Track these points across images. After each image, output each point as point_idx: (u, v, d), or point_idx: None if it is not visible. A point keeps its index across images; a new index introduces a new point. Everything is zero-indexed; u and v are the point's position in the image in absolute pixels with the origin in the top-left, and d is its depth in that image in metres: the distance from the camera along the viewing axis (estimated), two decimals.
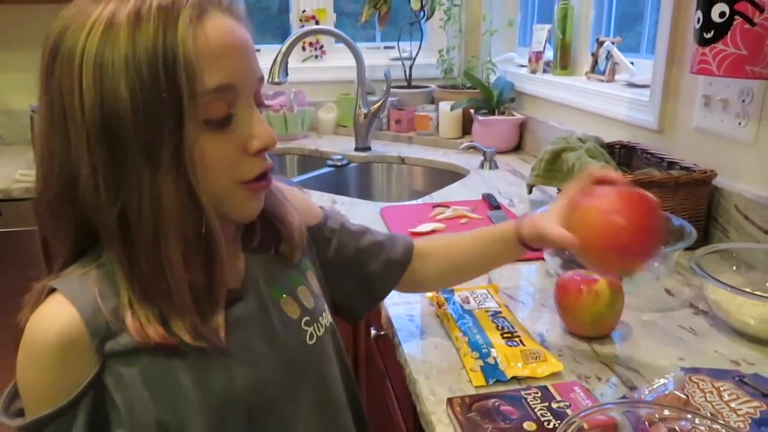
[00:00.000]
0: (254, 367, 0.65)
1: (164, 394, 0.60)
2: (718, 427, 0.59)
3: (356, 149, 2.15)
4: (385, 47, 2.62)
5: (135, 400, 0.59)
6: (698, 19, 0.71)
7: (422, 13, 2.35)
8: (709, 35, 0.68)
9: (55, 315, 0.58)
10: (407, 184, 2.09)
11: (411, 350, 0.88)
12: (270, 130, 0.61)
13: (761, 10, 0.65)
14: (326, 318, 0.74)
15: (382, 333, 1.15)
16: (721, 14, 0.67)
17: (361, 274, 0.83)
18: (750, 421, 0.63)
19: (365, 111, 2.13)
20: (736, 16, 0.66)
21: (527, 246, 0.81)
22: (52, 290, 0.60)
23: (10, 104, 2.33)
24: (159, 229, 0.56)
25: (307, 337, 0.71)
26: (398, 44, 2.44)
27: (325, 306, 0.76)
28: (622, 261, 0.71)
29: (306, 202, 0.81)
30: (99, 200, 0.56)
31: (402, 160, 2.11)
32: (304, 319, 0.71)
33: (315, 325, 0.72)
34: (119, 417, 0.59)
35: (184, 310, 0.58)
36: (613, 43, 1.71)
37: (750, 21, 0.66)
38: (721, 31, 0.67)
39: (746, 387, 0.69)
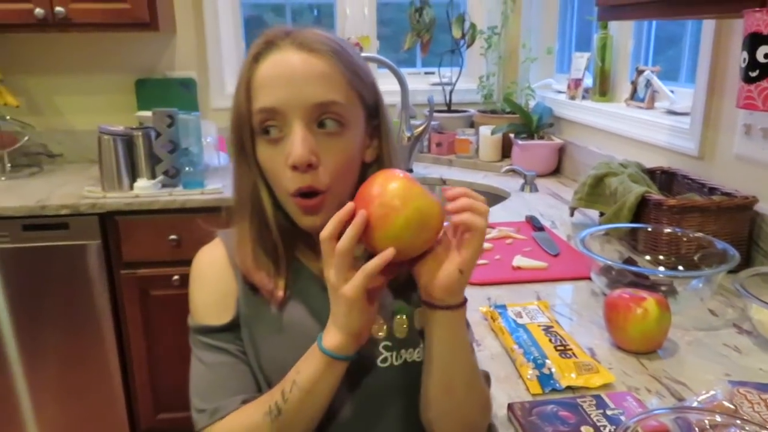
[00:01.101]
0: (298, 352, 0.70)
1: (249, 335, 0.77)
2: None
3: None
4: (425, 73, 2.71)
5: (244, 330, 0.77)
6: (744, 59, 0.77)
7: (463, 41, 2.44)
8: (754, 74, 0.75)
9: (212, 249, 0.82)
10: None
11: None
12: (300, 151, 0.68)
13: None
14: (413, 355, 0.77)
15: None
16: (766, 56, 0.73)
17: None
18: None
19: (408, 134, 2.22)
20: None
21: (431, 304, 0.69)
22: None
23: (74, 125, 2.48)
24: (241, 206, 0.76)
25: (380, 359, 0.76)
26: (439, 70, 2.53)
27: (421, 345, 0.77)
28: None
29: None
30: (233, 176, 0.77)
31: (444, 182, 2.18)
32: (384, 343, 0.76)
33: (395, 353, 0.76)
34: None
35: (249, 265, 0.75)
36: (652, 72, 1.77)
37: None
38: (765, 70, 0.74)
39: None
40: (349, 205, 0.64)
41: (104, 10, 2.07)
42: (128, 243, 1.98)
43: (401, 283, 0.76)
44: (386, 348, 0.76)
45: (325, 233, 0.64)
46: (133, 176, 1.99)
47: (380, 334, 0.77)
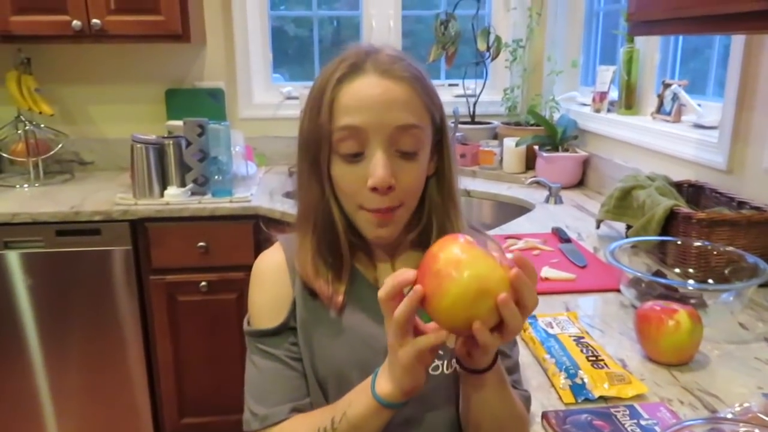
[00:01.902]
0: (363, 353, 0.76)
1: (305, 339, 0.80)
2: None
3: None
4: (449, 84, 2.74)
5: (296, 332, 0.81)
6: None
7: (487, 53, 2.47)
8: None
9: (273, 254, 0.85)
10: (475, 216, 2.18)
11: None
12: (382, 173, 0.72)
13: None
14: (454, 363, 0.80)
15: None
16: None
17: None
18: None
19: None
20: None
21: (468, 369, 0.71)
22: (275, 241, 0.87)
23: (105, 133, 2.54)
24: (308, 217, 0.80)
25: (432, 367, 0.78)
26: (463, 82, 2.56)
27: None
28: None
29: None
30: (297, 188, 0.82)
31: (468, 193, 2.20)
32: (439, 351, 0.73)
33: (446, 362, 0.79)
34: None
35: (309, 272, 0.79)
36: (680, 86, 1.78)
37: None
38: None
39: None
40: (410, 273, 0.62)
41: (139, 21, 2.12)
42: (157, 249, 2.02)
43: None
44: (438, 357, 0.78)
45: (382, 294, 0.63)
46: (164, 184, 2.04)
47: None
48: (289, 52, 2.77)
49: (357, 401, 0.70)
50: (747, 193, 1.38)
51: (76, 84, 2.49)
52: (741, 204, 1.33)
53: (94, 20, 2.09)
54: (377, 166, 0.72)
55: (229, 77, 2.55)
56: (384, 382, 0.68)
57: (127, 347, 2.07)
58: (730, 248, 1.18)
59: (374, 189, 0.73)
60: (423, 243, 0.82)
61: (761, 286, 1.07)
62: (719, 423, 0.71)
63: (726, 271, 1.17)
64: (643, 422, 0.78)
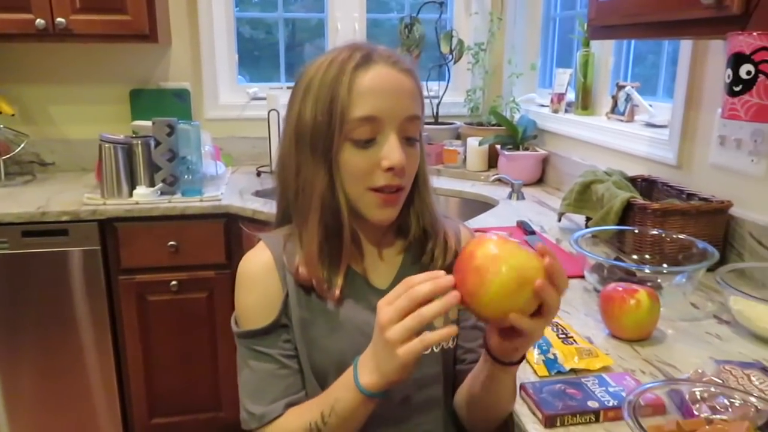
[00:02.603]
0: (361, 341, 0.76)
1: (299, 330, 0.83)
2: (753, 399, 0.73)
3: None
4: None
5: (291, 323, 0.83)
6: (728, 75, 0.88)
7: (450, 56, 2.55)
8: (738, 89, 0.85)
9: (260, 254, 0.86)
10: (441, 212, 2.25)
11: None
12: (399, 155, 0.78)
13: None
14: (449, 342, 0.87)
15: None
16: (748, 72, 0.84)
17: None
18: None
19: None
20: (760, 74, 0.83)
21: (494, 359, 0.75)
22: (259, 240, 0.87)
23: (68, 134, 2.51)
24: (309, 207, 0.81)
25: None
26: (427, 84, 2.63)
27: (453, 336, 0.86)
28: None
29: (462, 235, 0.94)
30: (289, 179, 0.83)
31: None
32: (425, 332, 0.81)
33: None
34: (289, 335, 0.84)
35: (314, 264, 0.81)
36: (633, 88, 1.89)
37: None
38: (747, 85, 0.84)
39: None
40: (449, 278, 0.65)
41: (105, 21, 2.12)
42: (127, 249, 2.01)
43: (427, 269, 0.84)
44: None
45: (418, 282, 0.65)
46: (132, 184, 2.04)
47: None
48: (249, 53, 2.79)
49: (343, 397, 0.73)
50: (695, 186, 1.49)
51: (37, 83, 2.45)
52: (690, 196, 1.44)
53: (59, 19, 2.07)
54: (394, 149, 0.77)
55: (195, 78, 2.56)
56: (368, 374, 0.70)
57: (95, 348, 2.05)
58: (682, 236, 1.28)
59: (390, 169, 0.78)
60: (403, 231, 0.88)
61: (709, 269, 1.16)
62: (677, 384, 0.79)
63: (679, 257, 1.27)
64: (611, 389, 0.85)
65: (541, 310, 0.66)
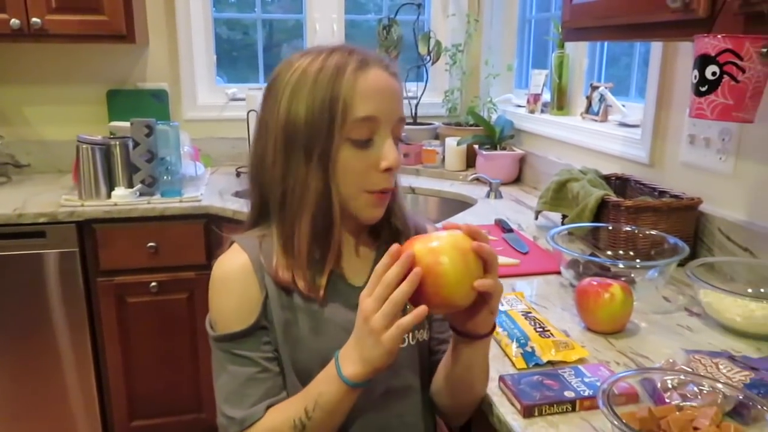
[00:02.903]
0: (338, 343, 0.77)
1: (281, 331, 0.83)
2: (720, 386, 0.76)
3: None
4: None
5: (272, 326, 0.82)
6: (695, 76, 0.91)
7: (428, 57, 2.58)
8: (704, 89, 0.89)
9: (235, 257, 0.84)
10: (421, 211, 2.28)
11: None
12: (397, 156, 0.80)
13: (743, 71, 0.86)
14: (422, 334, 0.89)
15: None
16: (713, 73, 0.87)
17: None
18: (742, 385, 0.80)
19: None
20: (725, 76, 0.87)
21: (465, 334, 0.80)
22: (232, 243, 0.86)
23: (44, 135, 2.48)
24: (301, 207, 0.80)
25: None
26: (405, 85, 2.65)
27: (427, 324, 0.90)
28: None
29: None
30: (273, 180, 0.82)
31: (413, 190, 2.29)
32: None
33: (410, 334, 0.86)
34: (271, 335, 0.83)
35: (302, 266, 0.81)
36: (606, 88, 1.94)
37: (735, 79, 0.87)
38: (713, 86, 0.88)
39: (738, 362, 0.87)
40: (408, 254, 0.69)
41: (81, 21, 2.10)
42: (105, 250, 2.00)
43: None
44: None
45: (384, 268, 0.69)
46: (111, 185, 2.02)
47: None
48: (227, 54, 2.78)
49: (327, 390, 0.74)
50: (666, 184, 1.54)
51: (12, 84, 2.42)
52: (662, 193, 1.48)
53: (34, 19, 2.05)
54: (391, 150, 0.80)
55: (173, 78, 2.55)
56: (351, 365, 0.72)
57: (74, 351, 2.04)
58: (654, 232, 1.32)
59: (387, 170, 0.80)
60: (376, 228, 0.89)
61: (680, 264, 1.20)
62: (649, 373, 0.82)
63: (651, 252, 1.31)
64: (586, 380, 0.88)
65: (486, 267, 0.72)
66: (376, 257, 0.90)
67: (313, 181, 0.79)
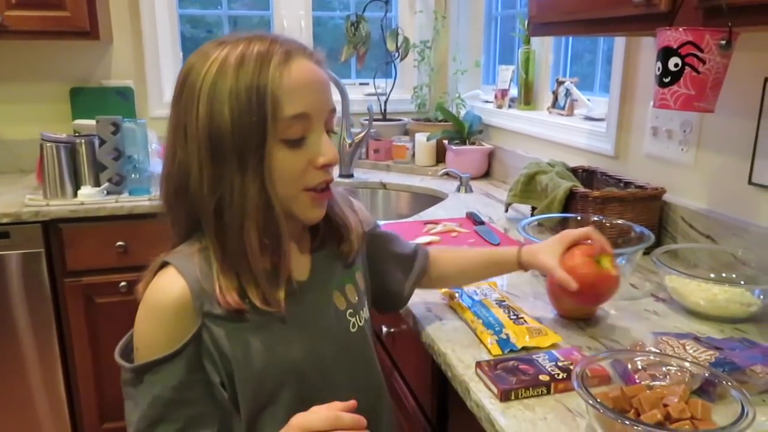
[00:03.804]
0: (309, 343, 0.81)
1: (241, 356, 0.76)
2: (687, 364, 0.80)
3: (341, 176, 2.35)
4: (360, 83, 2.84)
5: (222, 356, 0.76)
6: (658, 68, 0.95)
7: (396, 53, 2.60)
8: (667, 80, 0.92)
9: (172, 283, 0.75)
10: (392, 207, 2.30)
11: (434, 333, 1.06)
12: (334, 150, 0.78)
13: (704, 63, 0.90)
14: (366, 312, 0.91)
15: (393, 330, 1.34)
16: (676, 65, 0.91)
17: (395, 276, 1.02)
18: (708, 364, 0.84)
19: (350, 141, 2.33)
20: (687, 67, 0.91)
21: (524, 269, 1.03)
22: (165, 264, 0.77)
23: (3, 134, 2.41)
24: (243, 218, 0.73)
25: (350, 325, 0.87)
26: (374, 81, 2.67)
27: (366, 302, 0.92)
28: (591, 304, 1.08)
29: (363, 211, 0.97)
30: (202, 193, 0.73)
31: (384, 186, 2.31)
32: (349, 311, 0.87)
33: (357, 316, 0.88)
34: (215, 367, 0.76)
35: (258, 280, 0.75)
36: (571, 83, 1.98)
37: (696, 70, 0.91)
38: (675, 77, 0.91)
39: (703, 343, 0.90)
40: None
41: (42, 17, 2.05)
42: (72, 250, 1.96)
43: (343, 258, 0.89)
44: (351, 314, 0.87)
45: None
46: (77, 184, 1.98)
47: (343, 306, 0.87)
48: (191, 53, 2.74)
49: None
50: (631, 175, 1.58)
51: None
52: (627, 184, 1.53)
53: None
54: (327, 145, 0.77)
55: (138, 76, 2.50)
56: None
57: (41, 353, 1.99)
58: (620, 221, 1.36)
59: (325, 166, 0.77)
60: (313, 227, 0.86)
61: (646, 252, 1.24)
62: (620, 354, 0.85)
63: (618, 241, 1.34)
64: (560, 363, 0.91)
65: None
66: (316, 249, 0.87)
67: (251, 189, 0.72)
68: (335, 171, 0.84)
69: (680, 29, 0.92)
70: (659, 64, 0.94)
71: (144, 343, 0.76)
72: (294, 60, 0.74)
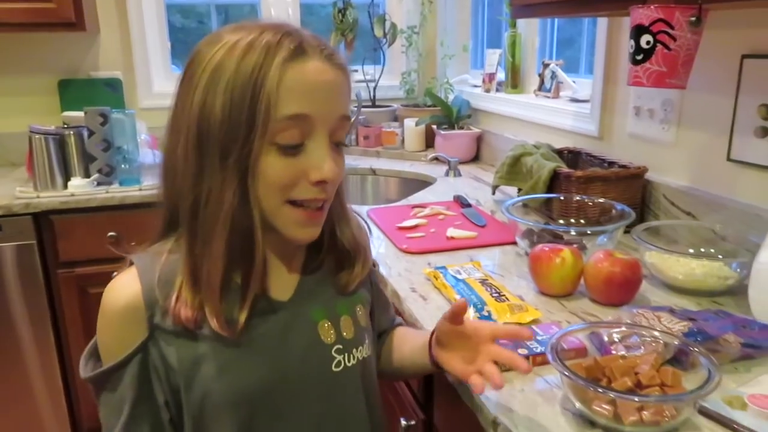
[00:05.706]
0: (270, 371, 0.72)
1: (188, 377, 0.70)
2: (658, 334, 0.82)
3: None
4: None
5: (170, 374, 0.70)
6: (631, 45, 0.96)
7: (384, 39, 2.60)
8: (639, 57, 0.94)
9: (124, 287, 0.70)
10: (382, 192, 2.31)
11: (419, 313, 1.08)
12: (333, 167, 0.68)
13: (675, 40, 0.91)
14: (363, 351, 0.79)
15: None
16: (647, 42, 0.92)
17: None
18: (682, 334, 0.86)
19: None
20: (658, 44, 0.92)
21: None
22: (131, 263, 0.73)
23: None
24: (215, 223, 0.67)
25: (334, 364, 0.76)
26: (362, 68, 2.67)
27: (367, 340, 0.80)
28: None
29: (370, 246, 0.87)
30: (184, 186, 0.68)
31: (374, 172, 2.32)
32: (336, 347, 0.76)
33: (346, 354, 0.77)
34: (160, 384, 0.71)
35: (213, 297, 0.68)
36: (557, 65, 1.99)
37: (667, 47, 0.92)
38: (647, 54, 0.93)
39: (677, 315, 0.93)
40: None
41: (27, 9, 2.05)
42: (65, 242, 1.98)
43: (339, 285, 0.80)
44: (338, 351, 0.76)
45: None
46: (67, 175, 1.99)
47: (330, 339, 0.76)
48: (182, 42, 2.75)
49: None
50: (615, 155, 1.60)
51: None
52: (611, 164, 1.54)
53: None
54: (326, 158, 0.68)
55: (127, 66, 2.50)
56: None
57: (37, 345, 2.01)
58: (603, 200, 1.38)
59: (320, 182, 0.68)
60: (315, 246, 0.78)
61: (626, 231, 1.26)
62: (596, 327, 0.87)
63: (601, 219, 1.37)
64: (539, 338, 0.93)
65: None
66: (303, 268, 0.79)
67: (229, 192, 0.66)
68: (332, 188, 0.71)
69: (651, 7, 0.93)
70: (632, 42, 0.95)
71: (100, 348, 0.73)
72: (303, 57, 0.66)
